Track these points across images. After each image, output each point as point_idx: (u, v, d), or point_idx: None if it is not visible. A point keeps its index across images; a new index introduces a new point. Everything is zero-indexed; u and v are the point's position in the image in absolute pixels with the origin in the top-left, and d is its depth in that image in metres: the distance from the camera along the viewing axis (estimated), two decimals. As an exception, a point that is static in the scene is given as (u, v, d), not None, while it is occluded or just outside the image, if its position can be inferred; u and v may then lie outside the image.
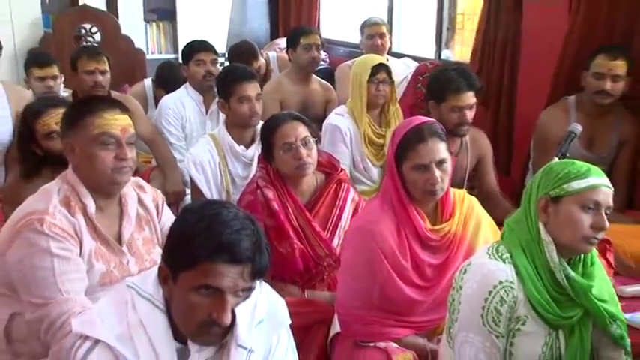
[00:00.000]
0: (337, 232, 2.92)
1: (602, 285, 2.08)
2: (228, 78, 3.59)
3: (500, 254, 2.05)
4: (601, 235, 2.01)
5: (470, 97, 3.29)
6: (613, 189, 2.03)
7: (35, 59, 4.55)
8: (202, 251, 1.54)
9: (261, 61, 5.25)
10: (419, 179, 2.38)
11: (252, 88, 3.49)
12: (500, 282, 1.99)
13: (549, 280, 2.01)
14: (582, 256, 2.06)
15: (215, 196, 3.43)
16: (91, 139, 2.23)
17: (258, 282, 1.64)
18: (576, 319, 2.03)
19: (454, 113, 3.28)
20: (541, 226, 2.03)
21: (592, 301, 2.01)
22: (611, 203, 2.00)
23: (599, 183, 1.99)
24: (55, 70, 4.44)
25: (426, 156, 2.38)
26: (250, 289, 1.62)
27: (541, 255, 2.02)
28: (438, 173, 2.37)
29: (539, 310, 2.00)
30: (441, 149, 2.41)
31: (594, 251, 2.10)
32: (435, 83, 3.43)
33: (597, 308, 2.02)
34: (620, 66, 3.39)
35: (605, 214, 1.99)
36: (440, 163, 2.39)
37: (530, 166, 3.82)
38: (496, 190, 3.54)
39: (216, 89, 3.81)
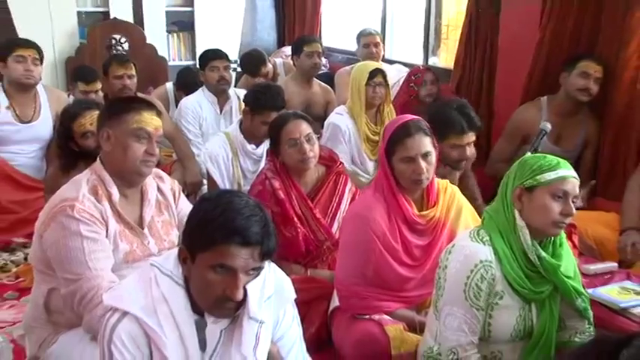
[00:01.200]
0: (336, 219, 2.92)
1: (569, 264, 2.10)
2: (258, 101, 3.49)
3: (480, 237, 2.07)
4: (569, 220, 2.03)
5: (471, 137, 3.01)
6: (579, 180, 2.05)
7: (83, 76, 4.46)
8: (218, 235, 1.54)
9: (269, 66, 5.23)
10: (406, 170, 2.40)
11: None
12: (481, 261, 2.01)
13: (523, 260, 2.04)
14: (552, 238, 2.08)
15: (228, 187, 3.44)
16: (129, 131, 2.25)
17: (266, 262, 1.64)
18: (547, 293, 2.06)
19: (454, 151, 2.97)
20: (516, 213, 2.05)
21: (560, 278, 2.04)
22: (577, 192, 2.02)
23: (567, 174, 2.00)
24: (98, 85, 4.42)
25: (412, 149, 2.39)
26: (260, 269, 1.62)
27: (516, 238, 2.04)
28: (423, 164, 2.39)
29: (515, 286, 2.03)
30: (426, 143, 2.42)
31: (563, 234, 2.12)
32: (438, 122, 2.90)
33: (565, 284, 2.05)
34: (601, 71, 3.43)
35: (573, 202, 2.01)
36: (425, 155, 2.40)
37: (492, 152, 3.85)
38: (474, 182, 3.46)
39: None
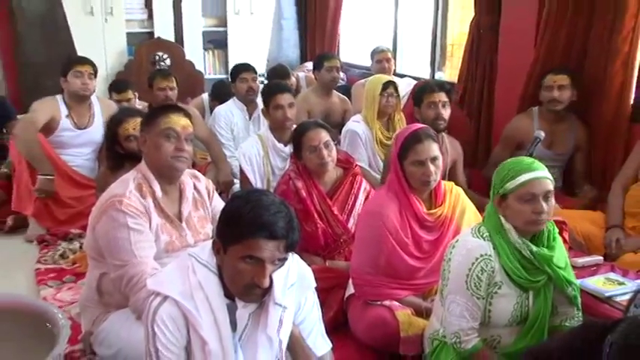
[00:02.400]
0: (352, 215, 2.90)
1: (561, 256, 2.08)
2: (267, 91, 3.60)
3: (481, 233, 2.06)
4: (545, 216, 1.98)
5: (441, 96, 3.35)
6: (551, 177, 2.02)
7: (116, 88, 4.59)
8: (247, 229, 1.54)
9: (293, 79, 5.24)
10: (417, 172, 2.40)
11: (284, 98, 3.49)
12: (481, 255, 2.00)
13: (519, 254, 2.02)
14: (544, 232, 2.05)
15: (259, 183, 3.44)
16: (159, 132, 2.27)
17: (290, 254, 1.64)
18: (542, 283, 2.04)
19: (430, 110, 3.35)
20: (501, 217, 2.04)
21: (553, 268, 2.03)
22: (547, 188, 1.98)
23: (529, 178, 1.97)
24: (129, 94, 4.49)
25: (422, 153, 2.39)
26: (285, 259, 1.61)
27: (508, 238, 2.02)
28: (432, 167, 2.39)
29: (512, 277, 2.01)
30: (434, 148, 2.43)
31: (556, 229, 2.10)
32: (417, 91, 3.52)
33: (557, 274, 2.03)
34: (562, 79, 3.45)
35: (547, 198, 1.97)
36: (433, 159, 2.41)
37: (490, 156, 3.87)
38: (464, 186, 3.49)
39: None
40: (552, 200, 2.01)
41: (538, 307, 2.05)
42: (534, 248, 2.01)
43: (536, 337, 2.04)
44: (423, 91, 3.42)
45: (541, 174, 1.99)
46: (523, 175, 1.98)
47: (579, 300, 2.11)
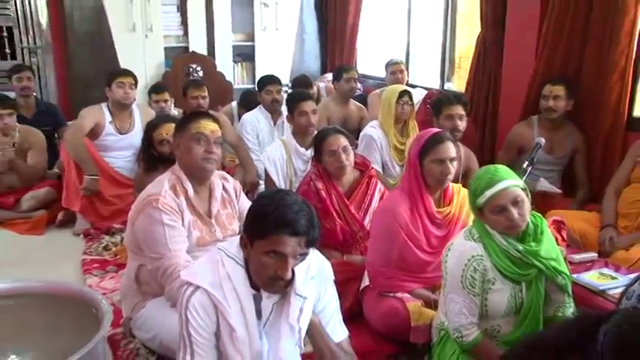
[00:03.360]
0: (368, 213, 2.90)
1: (550, 248, 2.04)
2: (292, 99, 3.61)
3: (472, 236, 2.04)
4: (520, 219, 1.94)
5: (459, 109, 3.30)
6: (517, 182, 1.97)
7: (154, 89, 4.67)
8: (271, 226, 1.54)
9: (314, 89, 5.24)
10: (436, 170, 2.39)
11: (308, 105, 3.50)
12: (473, 256, 1.98)
13: (508, 252, 1.99)
14: (532, 227, 2.01)
15: (282, 184, 3.44)
16: (190, 136, 2.28)
17: (311, 249, 1.63)
18: (533, 275, 2.01)
19: (448, 122, 3.28)
20: (485, 224, 2.01)
21: (541, 261, 1.99)
22: (514, 196, 1.93)
23: (493, 193, 1.94)
24: (166, 95, 4.55)
25: (442, 153, 2.39)
26: (306, 254, 1.61)
27: (495, 240, 1.99)
28: (450, 167, 2.39)
29: (504, 272, 1.99)
30: (453, 150, 2.43)
31: (544, 223, 2.06)
32: (436, 102, 3.46)
33: (545, 266, 2.00)
34: (558, 89, 3.44)
35: (517, 203, 1.93)
36: (452, 159, 2.41)
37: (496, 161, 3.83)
38: None
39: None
40: (526, 202, 1.96)
41: (531, 297, 2.02)
42: (520, 247, 1.98)
43: (532, 324, 2.02)
44: (441, 103, 3.37)
45: (504, 184, 1.94)
46: (488, 190, 1.95)
47: (570, 287, 2.07)
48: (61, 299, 2.10)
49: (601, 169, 3.47)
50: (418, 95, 4.76)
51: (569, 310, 2.08)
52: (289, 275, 1.57)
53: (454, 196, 2.52)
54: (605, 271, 2.60)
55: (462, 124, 3.32)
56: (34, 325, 2.11)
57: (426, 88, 5.06)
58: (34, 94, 4.87)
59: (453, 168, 2.41)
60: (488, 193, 1.95)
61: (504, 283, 2.00)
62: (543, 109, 3.50)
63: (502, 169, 2.01)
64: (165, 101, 4.52)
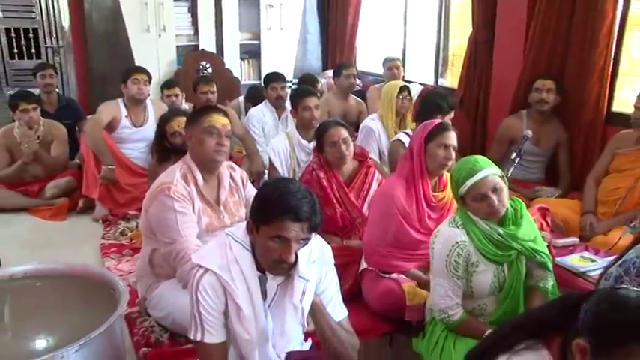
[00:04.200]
0: (366, 201, 2.89)
1: (529, 230, 2.03)
2: (296, 94, 3.61)
3: (456, 223, 2.03)
4: (500, 205, 1.94)
5: (451, 114, 3.25)
6: (495, 171, 1.96)
7: (166, 85, 4.66)
8: (276, 213, 1.52)
9: (320, 86, 5.21)
10: (440, 154, 2.39)
11: (312, 101, 3.48)
12: (457, 242, 1.97)
13: (490, 236, 1.98)
14: (512, 211, 2.00)
15: (285, 174, 3.44)
16: (202, 129, 2.27)
17: (313, 234, 1.62)
18: (514, 256, 2.00)
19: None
20: (467, 212, 2.00)
21: (520, 243, 1.98)
22: (493, 184, 1.93)
23: (474, 182, 1.93)
24: (176, 90, 4.54)
25: (448, 139, 2.40)
26: (308, 239, 1.59)
27: (477, 226, 1.99)
28: (452, 153, 2.40)
29: (487, 255, 1.98)
30: (455, 140, 2.44)
31: (523, 207, 2.05)
32: (428, 105, 3.23)
33: (524, 247, 1.99)
34: (549, 83, 3.46)
35: (496, 190, 1.92)
36: (454, 147, 2.42)
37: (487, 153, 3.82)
38: None
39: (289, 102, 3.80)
40: (504, 189, 1.96)
41: (512, 275, 2.02)
42: (501, 231, 1.97)
43: (513, 301, 2.03)
44: (437, 108, 3.18)
45: (484, 173, 1.94)
46: (469, 180, 1.94)
47: (549, 264, 2.05)
48: (82, 280, 2.12)
49: (582, 160, 3.49)
50: (415, 90, 4.75)
51: (550, 282, 2.08)
52: (292, 259, 1.55)
53: (448, 183, 2.51)
54: (586, 254, 2.62)
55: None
56: (58, 304, 2.13)
57: (420, 84, 5.03)
58: (57, 90, 4.87)
59: (453, 155, 2.42)
60: (470, 182, 1.94)
61: (487, 265, 1.99)
62: (535, 101, 3.49)
63: (481, 159, 2.00)
64: (177, 95, 4.51)
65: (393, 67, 4.94)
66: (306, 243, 1.60)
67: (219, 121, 2.30)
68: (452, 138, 2.41)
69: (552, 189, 3.44)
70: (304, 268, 1.62)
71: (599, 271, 2.11)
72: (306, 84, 4.81)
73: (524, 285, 2.06)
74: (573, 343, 1.13)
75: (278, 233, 1.54)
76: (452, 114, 3.28)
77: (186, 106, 4.62)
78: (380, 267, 2.47)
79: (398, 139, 3.36)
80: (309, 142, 3.47)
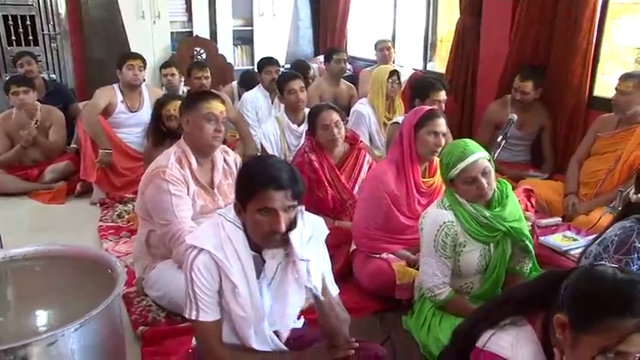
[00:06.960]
0: (357, 183, 2.89)
1: (513, 210, 2.03)
2: (281, 80, 3.59)
3: (444, 204, 2.02)
4: (488, 188, 1.94)
5: (443, 94, 3.21)
6: (485, 155, 1.96)
7: (163, 65, 4.71)
8: (257, 185, 1.50)
9: (312, 72, 5.17)
10: (430, 140, 2.38)
11: (296, 84, 3.45)
12: (444, 222, 1.97)
13: (476, 218, 1.98)
14: (497, 193, 2.00)
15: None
16: (202, 115, 2.26)
17: (300, 207, 1.56)
18: (499, 236, 2.00)
19: (435, 106, 3.11)
20: (455, 194, 1.99)
21: (504, 225, 1.98)
22: (483, 167, 1.93)
23: (465, 165, 1.92)
24: (173, 70, 4.57)
25: (438, 126, 2.39)
26: (294, 207, 1.54)
27: (464, 207, 1.98)
28: (442, 140, 2.39)
29: (473, 235, 1.98)
30: (445, 126, 2.43)
31: (509, 188, 2.05)
32: (421, 86, 3.31)
33: (508, 229, 1.99)
34: (526, 86, 3.45)
35: (485, 173, 1.92)
36: (444, 134, 2.41)
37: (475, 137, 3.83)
38: None
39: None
40: (492, 172, 1.95)
41: (497, 255, 2.02)
42: (487, 213, 1.97)
43: (496, 281, 2.04)
44: (430, 87, 3.21)
45: (474, 157, 1.93)
46: (460, 163, 1.93)
47: (530, 248, 2.05)
48: (81, 261, 2.10)
49: (565, 143, 3.52)
50: (403, 75, 4.73)
51: (527, 266, 2.10)
52: (283, 227, 1.51)
53: (437, 169, 2.51)
54: (568, 233, 2.63)
55: (442, 107, 3.21)
56: (58, 285, 2.11)
57: (413, 69, 5.01)
58: (41, 75, 4.79)
59: (443, 141, 2.40)
60: (461, 165, 1.93)
61: (474, 245, 2.00)
62: (514, 98, 3.51)
63: (471, 142, 1.99)
64: (173, 75, 4.53)
65: (384, 49, 4.93)
66: (294, 211, 1.55)
67: (217, 107, 2.28)
68: (442, 125, 2.40)
69: (541, 174, 3.46)
70: (302, 250, 1.57)
71: (580, 250, 2.13)
72: (298, 70, 4.78)
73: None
74: (554, 318, 1.14)
75: (264, 205, 1.50)
76: (443, 94, 3.22)
77: (184, 89, 4.60)
78: (368, 250, 2.47)
79: (396, 122, 3.33)
80: (299, 125, 3.46)
